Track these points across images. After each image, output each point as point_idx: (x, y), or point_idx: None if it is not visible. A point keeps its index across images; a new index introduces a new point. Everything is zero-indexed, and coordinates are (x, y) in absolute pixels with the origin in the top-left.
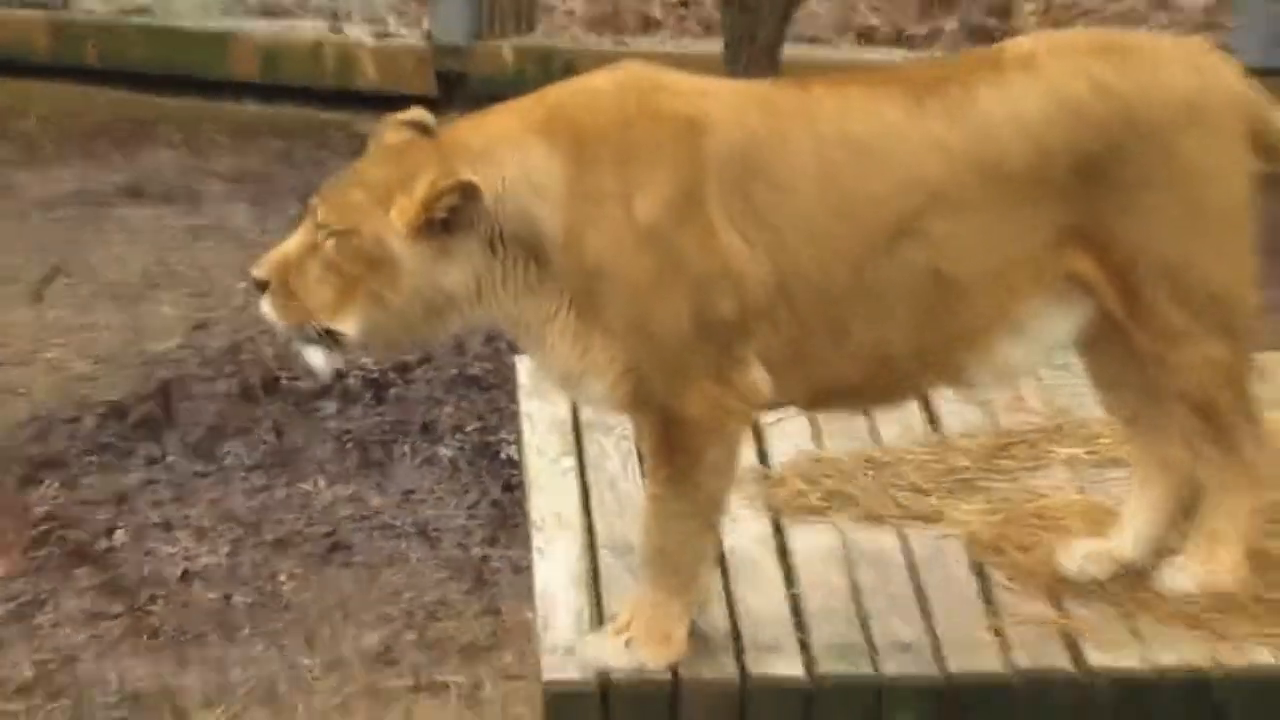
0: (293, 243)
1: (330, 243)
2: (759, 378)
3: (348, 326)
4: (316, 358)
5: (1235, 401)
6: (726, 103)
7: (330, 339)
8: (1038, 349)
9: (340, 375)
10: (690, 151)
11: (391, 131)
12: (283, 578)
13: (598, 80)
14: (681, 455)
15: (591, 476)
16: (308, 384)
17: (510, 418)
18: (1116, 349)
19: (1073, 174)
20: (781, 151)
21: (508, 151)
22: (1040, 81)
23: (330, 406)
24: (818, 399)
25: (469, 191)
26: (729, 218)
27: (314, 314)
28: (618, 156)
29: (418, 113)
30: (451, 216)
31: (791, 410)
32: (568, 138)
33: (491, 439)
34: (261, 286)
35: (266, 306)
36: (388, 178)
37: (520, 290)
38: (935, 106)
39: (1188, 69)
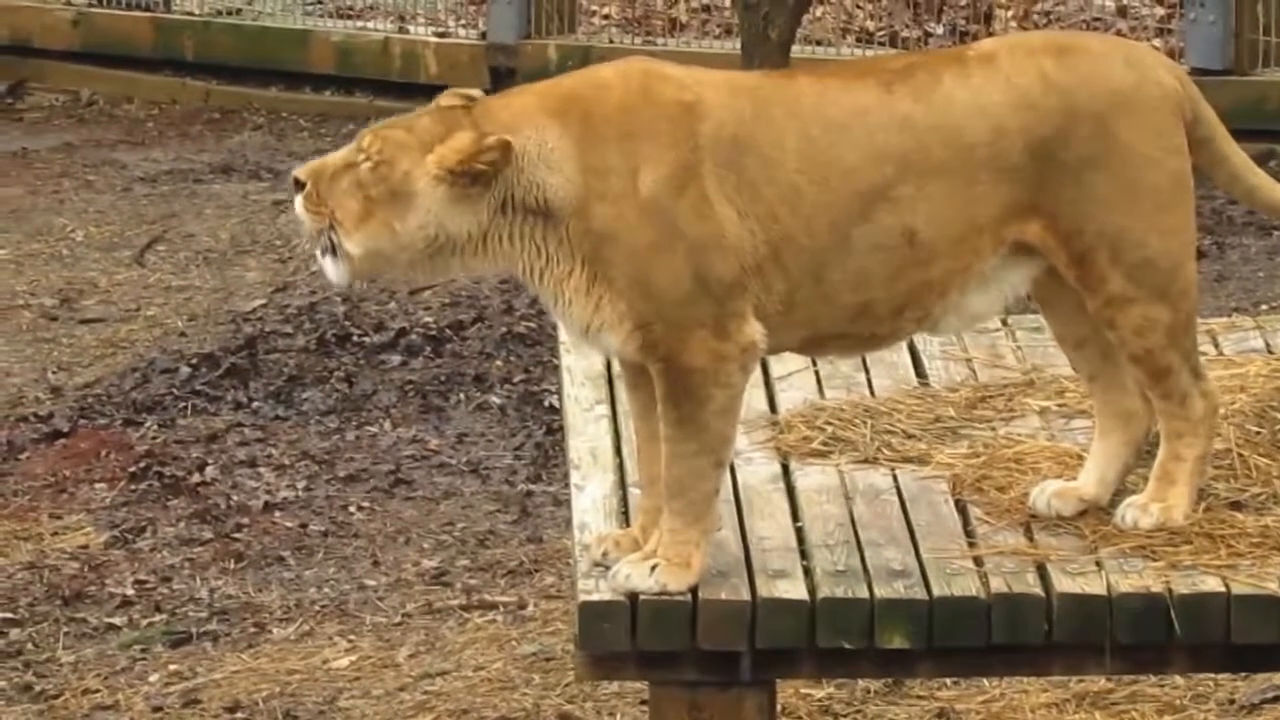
0: (335, 157)
1: (366, 166)
2: (754, 329)
3: (355, 245)
4: (330, 267)
5: (1180, 359)
6: (719, 90)
7: (338, 253)
8: (999, 298)
9: (403, 332)
10: (687, 133)
11: (446, 98)
12: (352, 509)
13: (605, 72)
14: (688, 401)
15: (622, 422)
16: (375, 338)
17: (552, 370)
18: (1078, 314)
19: (1024, 154)
20: (768, 131)
21: (527, 128)
22: (998, 74)
23: (395, 359)
24: (809, 343)
25: (507, 151)
26: (722, 191)
27: (335, 222)
28: (622, 136)
29: (472, 90)
30: (487, 169)
31: (794, 357)
32: (578, 120)
33: (536, 389)
34: (299, 186)
35: (299, 205)
36: (432, 129)
37: (530, 249)
38: (904, 90)
39: (1125, 65)
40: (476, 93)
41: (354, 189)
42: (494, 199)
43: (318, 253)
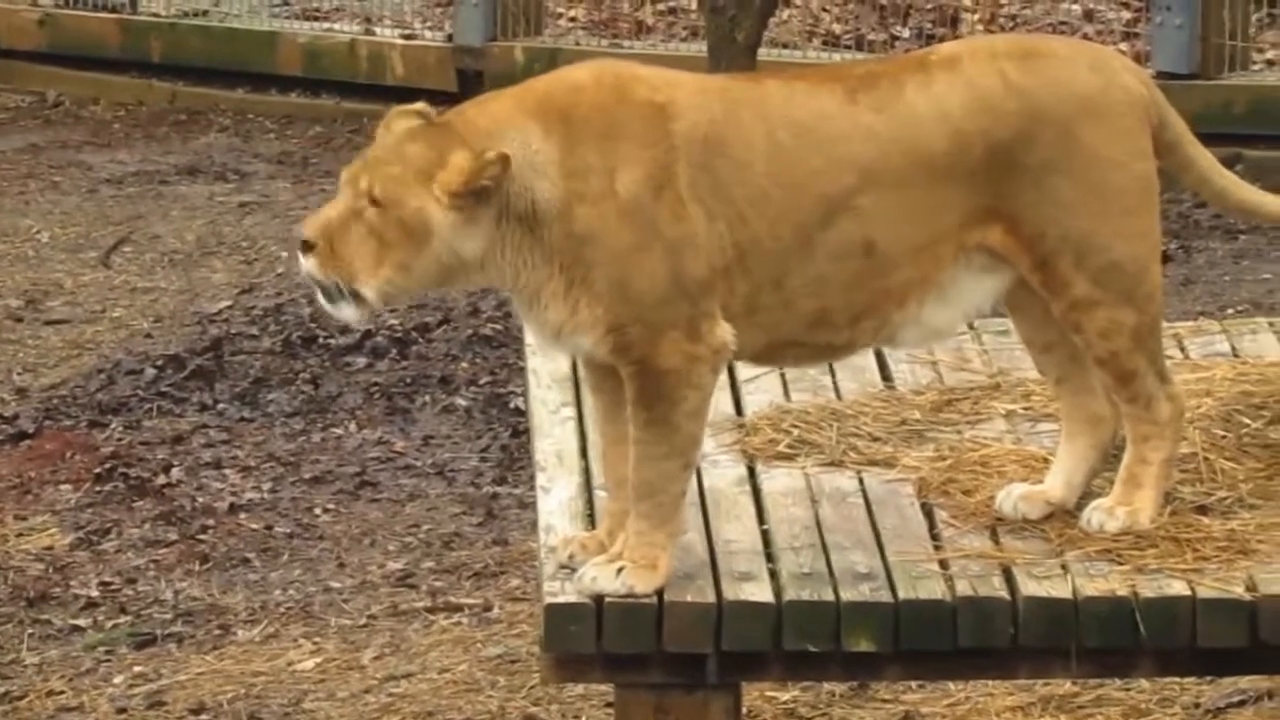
0: (335, 209)
1: (372, 211)
2: (725, 331)
3: (372, 290)
4: (348, 314)
5: (1146, 363)
6: (690, 91)
7: (356, 299)
8: (959, 313)
9: (369, 334)
10: (662, 134)
11: (401, 119)
12: (318, 511)
13: (577, 73)
14: (660, 403)
15: (588, 424)
16: (341, 340)
17: (518, 372)
18: (1046, 318)
19: (985, 158)
20: (737, 134)
21: (511, 132)
22: (960, 78)
23: (360, 361)
24: (767, 350)
25: (507, 163)
26: (695, 191)
27: (351, 274)
28: (600, 137)
29: (420, 106)
30: (490, 184)
31: (746, 362)
32: (558, 121)
33: (501, 391)
34: (308, 247)
35: (309, 265)
36: (424, 156)
37: (518, 260)
38: (867, 98)
39: (1090, 69)
40: (425, 108)
41: (367, 236)
42: (494, 212)
43: (327, 303)
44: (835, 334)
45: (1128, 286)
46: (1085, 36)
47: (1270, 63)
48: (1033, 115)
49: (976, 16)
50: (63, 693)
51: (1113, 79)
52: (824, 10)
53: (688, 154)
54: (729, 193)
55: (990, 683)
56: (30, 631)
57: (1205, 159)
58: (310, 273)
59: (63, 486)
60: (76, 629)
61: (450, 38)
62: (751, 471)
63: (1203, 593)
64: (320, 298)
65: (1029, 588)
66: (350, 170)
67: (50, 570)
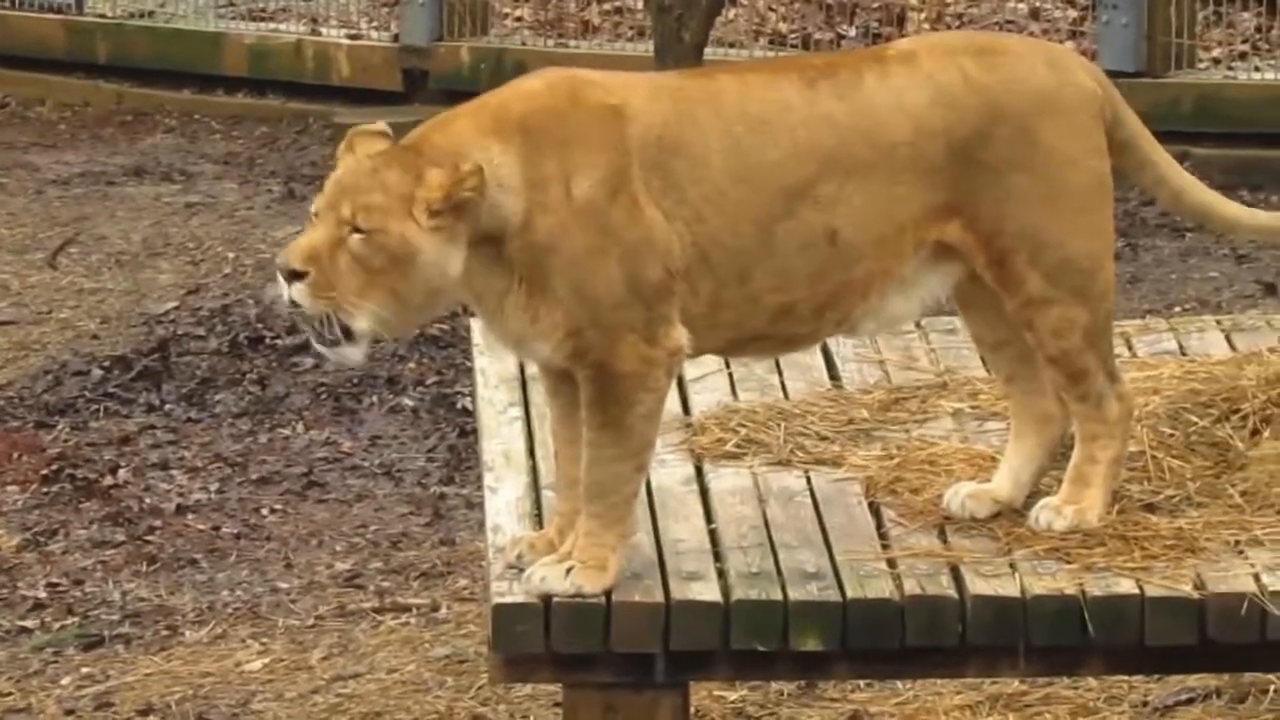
0: (318, 237)
1: (356, 239)
2: (680, 334)
3: (364, 321)
4: (348, 353)
5: (1097, 362)
6: (643, 93)
7: (351, 335)
8: (917, 303)
9: None
10: (616, 137)
11: (365, 141)
12: (265, 511)
13: (531, 83)
14: (615, 405)
15: (536, 424)
16: (288, 341)
17: (465, 372)
18: (996, 315)
19: (946, 154)
20: (692, 131)
21: (474, 151)
22: (919, 73)
23: (308, 361)
24: (732, 346)
25: (483, 174)
26: (650, 193)
27: (341, 303)
28: (556, 144)
29: (381, 125)
30: (471, 195)
31: (709, 359)
32: (517, 133)
33: (449, 391)
34: (297, 276)
35: (299, 293)
36: (403, 181)
37: (482, 273)
38: (826, 87)
39: (1046, 66)
40: (384, 127)
41: (353, 265)
42: (468, 228)
43: (324, 348)
44: (799, 325)
45: (1081, 284)
46: (1031, 35)
47: (1216, 61)
48: (992, 112)
49: (923, 15)
50: (10, 694)
51: (1068, 76)
52: (770, 9)
53: (642, 156)
54: (685, 193)
55: (938, 681)
56: None
57: (1163, 160)
58: (299, 301)
59: (9, 488)
60: (24, 630)
61: (396, 38)
62: (699, 471)
63: (1151, 591)
64: (315, 343)
65: (977, 586)
66: (326, 198)
67: None
